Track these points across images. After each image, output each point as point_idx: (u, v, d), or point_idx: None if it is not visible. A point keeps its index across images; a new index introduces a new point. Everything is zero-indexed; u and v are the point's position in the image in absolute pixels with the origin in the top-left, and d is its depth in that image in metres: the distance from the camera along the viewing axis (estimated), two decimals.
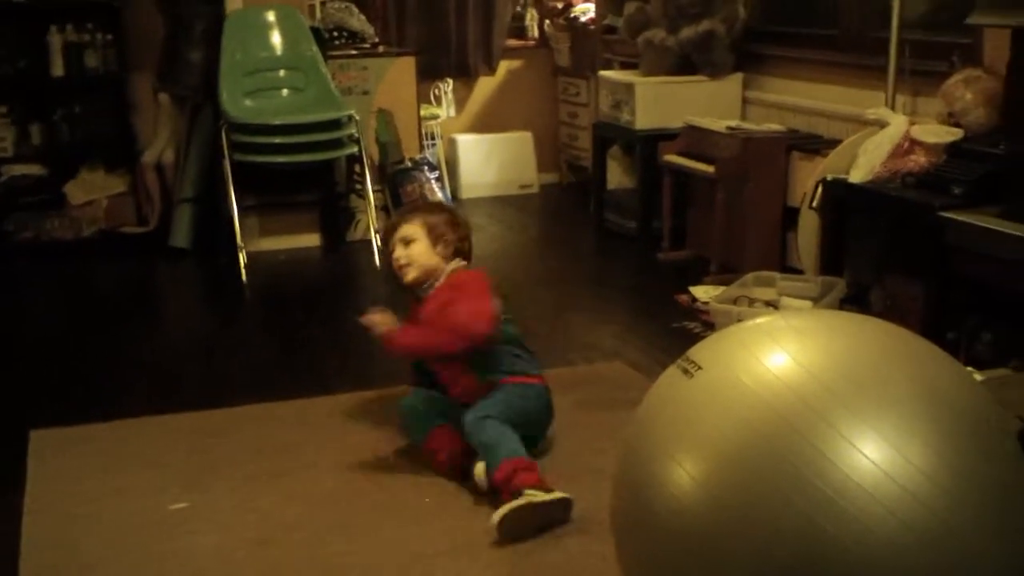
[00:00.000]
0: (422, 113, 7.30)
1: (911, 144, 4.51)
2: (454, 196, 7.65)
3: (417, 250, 3.69)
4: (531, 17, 8.59)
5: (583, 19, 8.09)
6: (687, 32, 6.32)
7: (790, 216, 5.49)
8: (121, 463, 3.59)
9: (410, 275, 3.69)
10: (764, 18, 6.57)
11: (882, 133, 4.63)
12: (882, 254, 4.77)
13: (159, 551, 3.10)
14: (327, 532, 3.19)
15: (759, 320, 2.47)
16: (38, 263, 6.42)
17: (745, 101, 6.43)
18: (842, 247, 4.84)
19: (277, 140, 6.05)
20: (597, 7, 7.90)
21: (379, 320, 3.58)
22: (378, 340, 3.59)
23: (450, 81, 8.09)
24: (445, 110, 7.99)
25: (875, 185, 4.49)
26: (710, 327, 4.82)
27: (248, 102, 6.27)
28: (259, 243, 6.52)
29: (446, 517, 3.26)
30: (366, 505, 3.35)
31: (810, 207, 4.95)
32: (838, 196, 4.72)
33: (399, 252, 3.71)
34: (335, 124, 6.16)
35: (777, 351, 2.28)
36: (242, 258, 5.98)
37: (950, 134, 4.44)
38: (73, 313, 5.64)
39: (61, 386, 4.50)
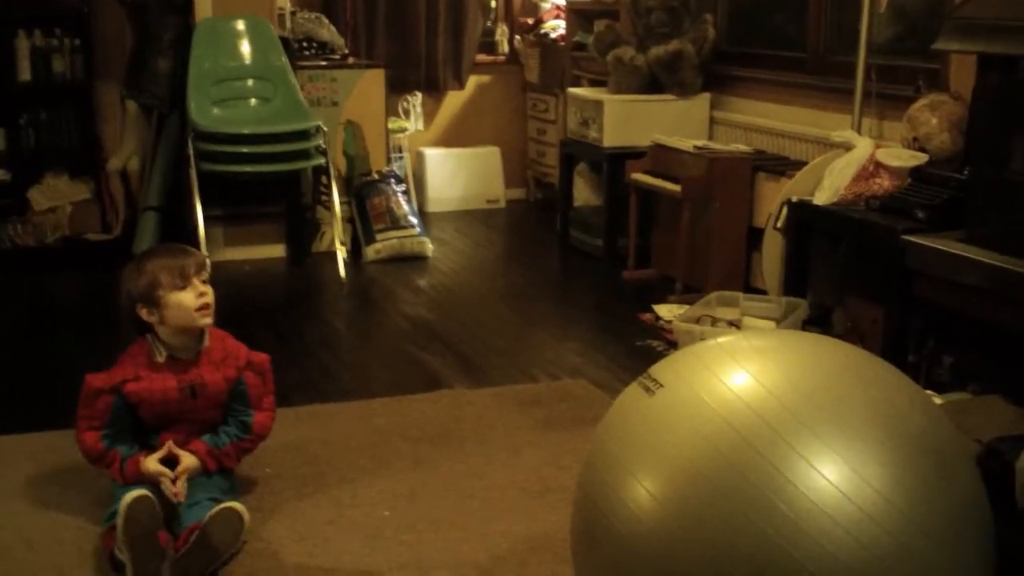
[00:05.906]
0: (390, 126, 7.30)
1: (876, 167, 4.54)
2: (420, 210, 7.65)
3: (213, 297, 3.28)
4: (501, 32, 8.60)
5: (553, 36, 8.12)
6: (656, 51, 6.35)
7: (755, 236, 5.52)
8: (80, 471, 3.55)
9: (210, 319, 3.27)
10: (733, 39, 6.61)
11: (847, 156, 4.66)
12: (845, 276, 4.80)
13: None
14: (291, 543, 3.19)
15: (721, 339, 2.48)
16: None
17: (713, 121, 6.46)
18: (806, 268, 4.86)
19: (244, 150, 6.01)
20: (567, 24, 7.92)
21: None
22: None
23: (419, 95, 8.08)
24: (413, 123, 7.98)
25: (839, 208, 4.52)
26: (673, 346, 4.84)
27: (216, 111, 6.24)
28: (224, 253, 6.50)
29: (405, 531, 3.25)
30: (321, 518, 3.34)
31: (775, 228, 4.98)
32: (802, 218, 4.75)
33: (207, 289, 3.25)
34: (303, 135, 6.13)
35: (738, 371, 2.29)
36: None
37: (915, 158, 4.48)
38: (34, 320, 5.59)
39: (21, 393, 4.46)
